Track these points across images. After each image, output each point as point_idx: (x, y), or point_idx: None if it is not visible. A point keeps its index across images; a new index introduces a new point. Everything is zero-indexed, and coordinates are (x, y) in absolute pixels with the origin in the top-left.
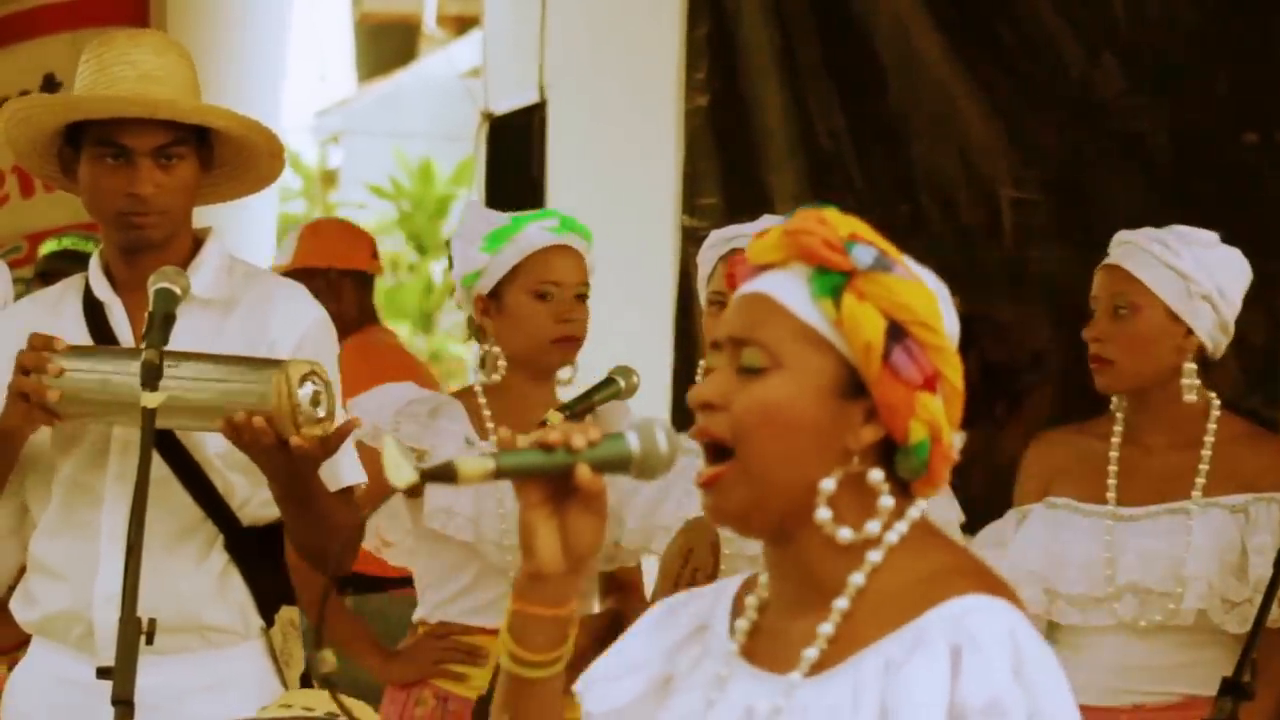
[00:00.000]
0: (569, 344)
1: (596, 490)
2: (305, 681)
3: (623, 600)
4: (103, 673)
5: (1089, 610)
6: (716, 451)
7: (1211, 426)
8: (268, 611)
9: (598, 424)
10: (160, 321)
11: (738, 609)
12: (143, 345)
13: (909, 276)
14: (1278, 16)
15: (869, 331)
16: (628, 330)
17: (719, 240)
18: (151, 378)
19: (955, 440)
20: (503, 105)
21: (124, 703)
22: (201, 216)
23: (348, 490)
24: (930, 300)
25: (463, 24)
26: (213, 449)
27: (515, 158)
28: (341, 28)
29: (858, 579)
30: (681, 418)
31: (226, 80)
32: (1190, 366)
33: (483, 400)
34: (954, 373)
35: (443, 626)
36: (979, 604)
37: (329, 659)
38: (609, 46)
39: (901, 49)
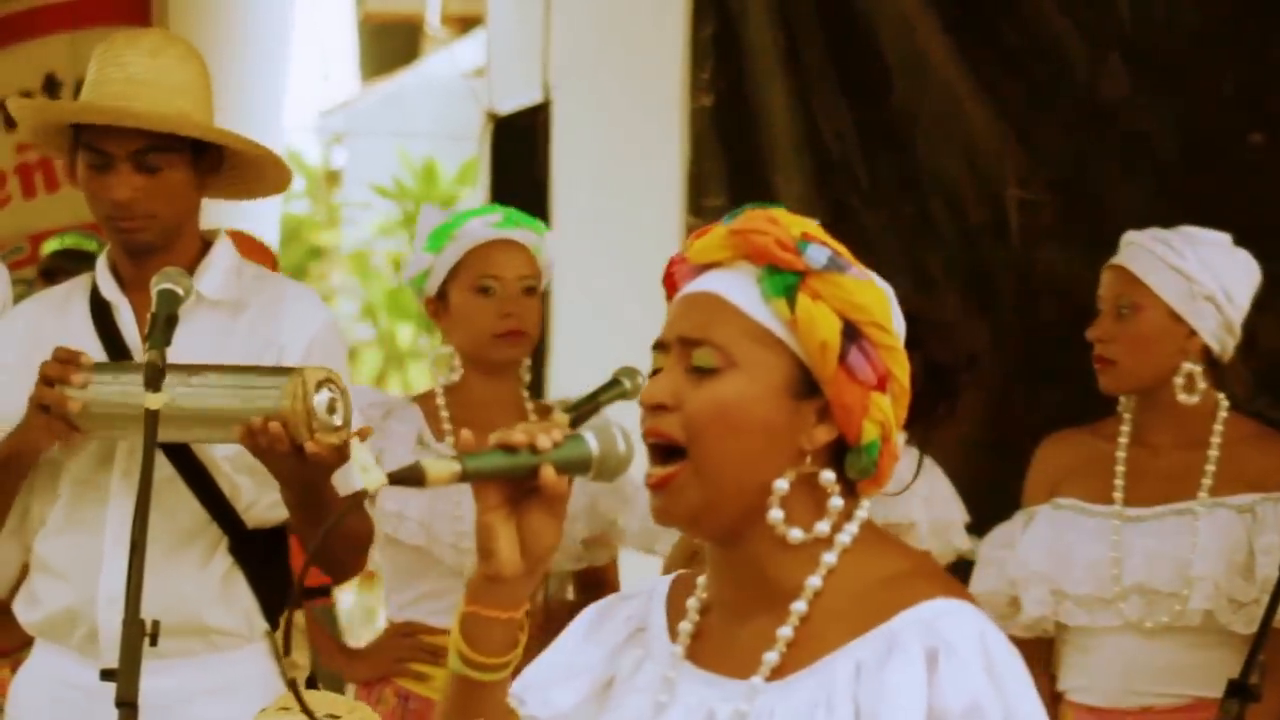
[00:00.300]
0: (514, 338)
1: (559, 492)
2: (310, 684)
3: (594, 598)
4: (106, 675)
5: (1096, 611)
6: (665, 452)
7: (1218, 427)
8: (272, 615)
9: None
10: (163, 323)
11: (675, 610)
12: (145, 346)
13: (862, 277)
14: None
15: (825, 331)
16: (632, 330)
17: None
18: (154, 379)
19: (899, 439)
20: (507, 105)
21: (127, 705)
22: (205, 216)
23: (359, 495)
24: (883, 300)
25: (466, 24)
26: (220, 451)
27: (520, 158)
28: (345, 27)
29: (814, 581)
30: None
31: (230, 80)
32: (1188, 367)
33: (441, 401)
34: (903, 372)
35: (408, 625)
36: (949, 608)
37: (298, 663)
38: (613, 46)
39: (907, 49)
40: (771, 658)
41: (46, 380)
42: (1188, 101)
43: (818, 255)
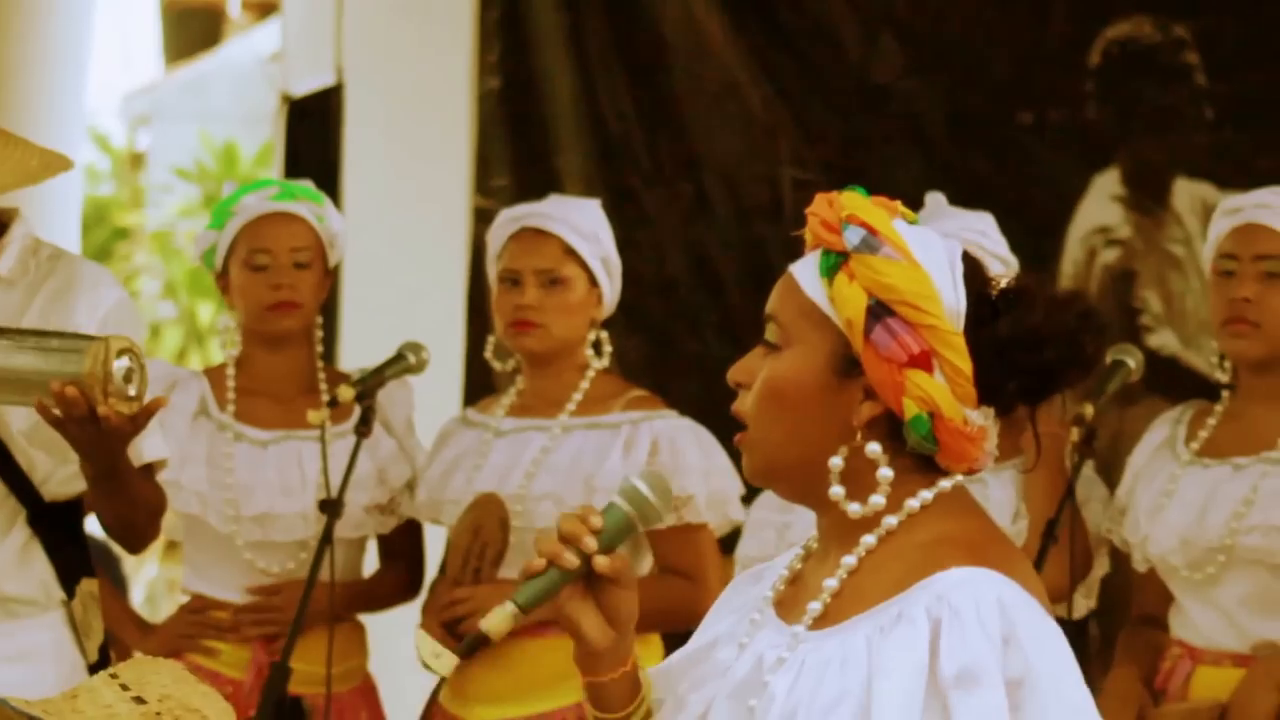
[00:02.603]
0: (284, 310)
1: (618, 568)
2: (103, 653)
3: (395, 565)
4: None
5: None
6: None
7: None
8: (69, 584)
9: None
10: None
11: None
12: None
13: (895, 256)
14: None
15: (850, 309)
16: (421, 307)
17: (507, 219)
18: None
19: (975, 416)
20: (301, 88)
21: None
22: (6, 196)
23: (149, 467)
24: (919, 280)
25: (265, 9)
26: (16, 426)
27: (313, 139)
28: (147, 12)
29: (869, 539)
30: (473, 393)
31: (33, 63)
32: None
33: (231, 373)
34: (952, 351)
35: (199, 600)
36: (965, 576)
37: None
38: (404, 29)
39: (686, 31)
40: (815, 607)
41: None
42: (958, 82)
43: (852, 236)
